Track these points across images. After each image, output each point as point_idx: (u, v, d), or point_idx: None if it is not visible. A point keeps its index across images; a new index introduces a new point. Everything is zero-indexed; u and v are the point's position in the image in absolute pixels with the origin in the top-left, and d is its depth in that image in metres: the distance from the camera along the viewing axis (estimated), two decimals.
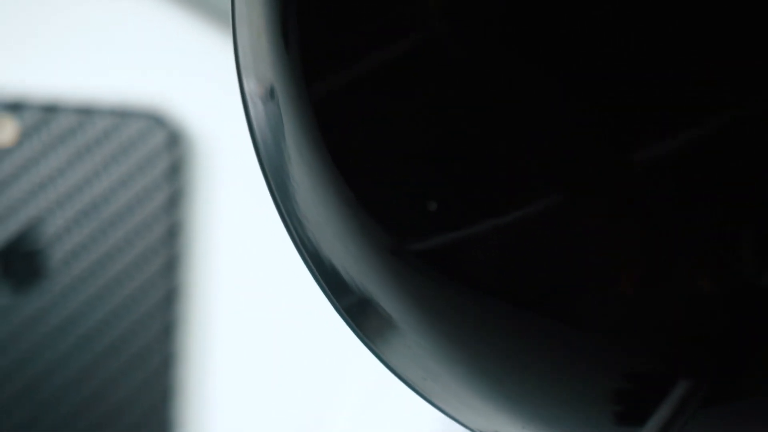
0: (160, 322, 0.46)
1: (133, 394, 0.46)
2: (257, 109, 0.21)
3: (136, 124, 0.47)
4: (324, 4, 0.20)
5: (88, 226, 0.46)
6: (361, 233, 0.20)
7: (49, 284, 0.46)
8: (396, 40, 0.19)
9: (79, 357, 0.46)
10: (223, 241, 0.48)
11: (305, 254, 0.22)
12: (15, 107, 0.47)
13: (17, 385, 0.45)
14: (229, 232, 0.48)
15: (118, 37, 0.48)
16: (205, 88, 0.49)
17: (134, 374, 0.46)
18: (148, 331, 0.46)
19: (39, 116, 0.47)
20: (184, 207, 0.47)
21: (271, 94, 0.21)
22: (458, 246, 0.20)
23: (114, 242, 0.46)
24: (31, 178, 0.46)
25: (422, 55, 0.19)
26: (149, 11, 0.49)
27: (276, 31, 0.20)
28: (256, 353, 0.47)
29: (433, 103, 0.19)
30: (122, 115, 0.47)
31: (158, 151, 0.47)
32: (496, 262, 0.20)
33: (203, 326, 0.47)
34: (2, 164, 0.46)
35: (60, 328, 0.46)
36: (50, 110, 0.47)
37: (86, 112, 0.47)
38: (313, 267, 0.22)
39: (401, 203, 0.20)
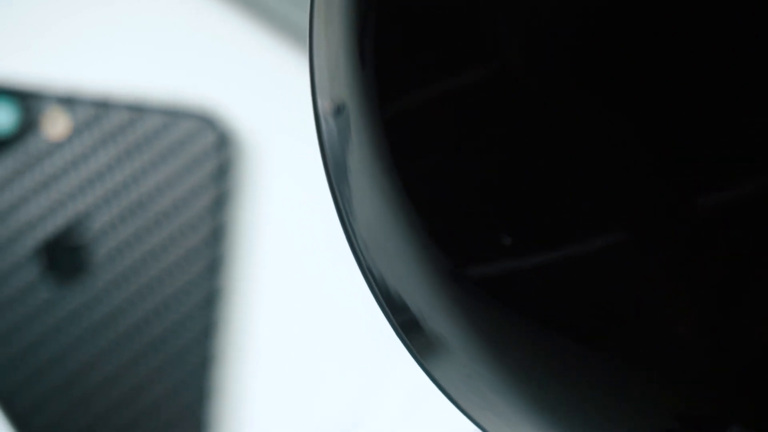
0: (200, 324, 0.46)
1: (170, 394, 0.46)
2: (329, 126, 0.21)
3: (186, 124, 0.47)
4: (402, 25, 0.20)
5: (134, 224, 0.47)
6: (422, 253, 0.20)
7: (92, 280, 0.46)
8: (471, 67, 0.19)
9: (118, 354, 0.46)
10: (266, 245, 0.48)
11: (365, 268, 0.22)
12: (68, 102, 0.47)
13: (56, 378, 0.45)
14: (273, 236, 0.48)
15: (172, 36, 0.49)
16: (257, 92, 0.49)
17: (172, 374, 0.46)
18: (188, 332, 0.46)
19: (91, 112, 0.47)
20: (229, 209, 0.47)
21: (340, 110, 0.21)
22: (518, 275, 0.20)
23: (158, 241, 0.47)
24: (80, 173, 0.47)
25: (495, 84, 0.19)
26: (205, 12, 0.49)
27: (353, 50, 0.20)
28: (295, 357, 0.47)
29: (502, 133, 0.19)
30: (173, 114, 0.47)
31: (207, 153, 0.47)
32: (555, 294, 0.20)
33: (243, 329, 0.47)
34: (53, 158, 0.47)
35: (101, 324, 0.46)
36: (102, 106, 0.47)
37: (138, 110, 0.47)
38: (372, 282, 0.22)
39: (464, 228, 0.20)
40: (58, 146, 0.47)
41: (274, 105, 0.49)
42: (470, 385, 0.21)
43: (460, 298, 0.20)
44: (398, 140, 0.20)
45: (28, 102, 0.46)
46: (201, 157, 0.47)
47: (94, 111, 0.47)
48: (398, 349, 0.47)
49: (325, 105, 0.21)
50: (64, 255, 0.46)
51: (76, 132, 0.47)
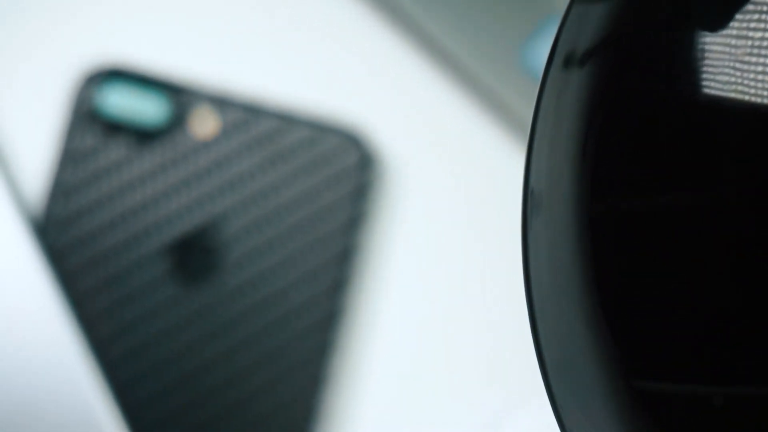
0: (317, 341, 0.46)
1: (279, 408, 0.46)
2: (534, 203, 0.22)
3: (332, 140, 0.47)
4: (628, 130, 0.20)
5: (267, 233, 0.47)
6: (599, 351, 0.21)
7: (218, 284, 0.46)
8: (689, 188, 0.19)
9: (233, 360, 0.46)
10: (393, 272, 0.48)
11: (538, 339, 0.22)
12: (220, 102, 0.47)
13: (174, 375, 0.46)
14: (401, 263, 0.48)
15: (330, 51, 0.48)
16: (406, 117, 0.48)
17: (284, 388, 0.46)
18: (303, 349, 0.46)
19: (241, 115, 0.47)
20: (362, 231, 0.47)
21: (546, 195, 0.21)
22: (686, 399, 0.20)
23: (288, 253, 0.47)
24: (221, 175, 0.47)
25: (709, 211, 0.19)
26: (366, 32, 0.48)
27: (575, 140, 0.21)
28: (409, 388, 0.47)
29: (707, 262, 0.19)
30: (321, 128, 0.47)
31: (348, 171, 0.47)
32: (716, 428, 0.19)
33: (358, 353, 0.47)
34: (197, 157, 0.47)
35: (220, 329, 0.46)
36: (252, 111, 0.47)
37: (286, 120, 0.47)
38: (543, 360, 0.22)
39: (645, 338, 0.20)
40: (204, 145, 0.47)
41: (421, 133, 0.48)
42: None
43: (625, 404, 0.20)
44: (599, 237, 0.20)
45: (180, 97, 0.47)
46: (342, 174, 0.47)
47: (244, 115, 0.47)
48: (525, 395, 0.46)
49: (538, 186, 0.21)
50: (194, 255, 0.46)
51: (224, 133, 0.47)
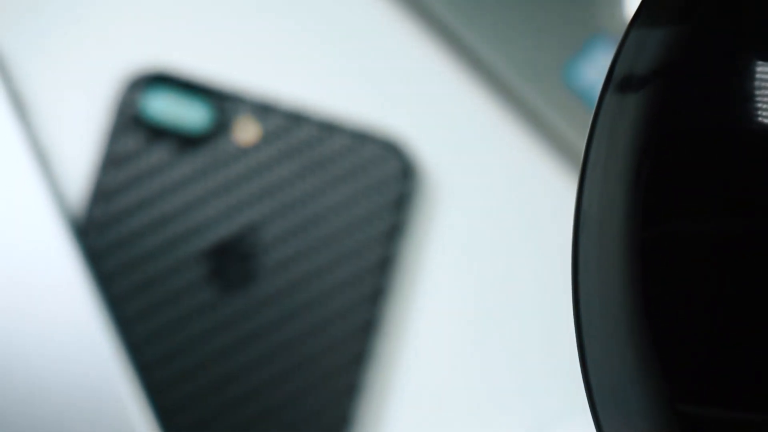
0: (353, 350, 0.46)
1: (311, 416, 0.46)
2: (587, 219, 0.21)
3: (372, 149, 0.47)
4: (682, 160, 0.20)
5: (305, 241, 0.47)
6: (645, 371, 0.21)
7: (254, 290, 0.46)
8: (738, 217, 0.19)
9: (269, 366, 0.46)
10: (430, 282, 0.48)
11: (584, 360, 0.22)
12: (262, 110, 0.47)
13: (208, 379, 0.46)
14: (438, 273, 0.48)
15: (374, 62, 0.49)
16: (447, 129, 0.48)
17: (317, 397, 0.46)
18: (338, 357, 0.46)
19: (282, 123, 0.47)
20: (400, 241, 0.47)
21: (598, 216, 0.21)
22: (735, 427, 0.20)
23: (325, 262, 0.47)
24: (261, 181, 0.47)
25: (756, 240, 0.19)
26: (408, 44, 0.49)
27: (629, 168, 0.21)
28: (446, 394, 0.47)
29: (754, 286, 0.19)
30: (361, 138, 0.47)
31: (388, 181, 0.47)
32: None
33: (394, 360, 0.47)
34: (238, 163, 0.47)
35: (254, 335, 0.46)
36: (294, 119, 0.47)
37: (327, 128, 0.47)
38: (589, 380, 0.22)
39: (694, 363, 0.20)
40: (244, 152, 0.47)
41: (461, 144, 0.48)
42: None
43: (672, 429, 0.21)
44: (651, 265, 0.21)
45: (224, 104, 0.47)
46: (381, 184, 0.47)
47: (286, 122, 0.47)
48: (564, 411, 0.46)
49: (591, 208, 0.21)
50: (232, 261, 0.46)
51: (265, 140, 0.47)
